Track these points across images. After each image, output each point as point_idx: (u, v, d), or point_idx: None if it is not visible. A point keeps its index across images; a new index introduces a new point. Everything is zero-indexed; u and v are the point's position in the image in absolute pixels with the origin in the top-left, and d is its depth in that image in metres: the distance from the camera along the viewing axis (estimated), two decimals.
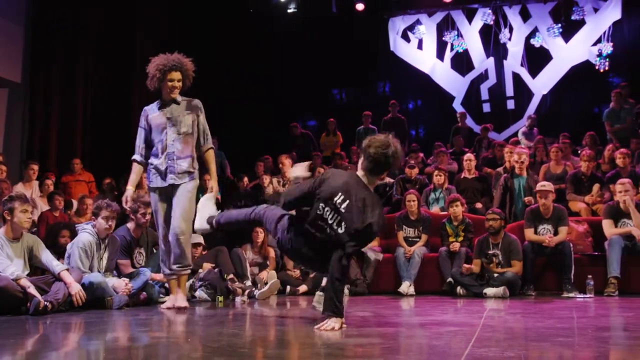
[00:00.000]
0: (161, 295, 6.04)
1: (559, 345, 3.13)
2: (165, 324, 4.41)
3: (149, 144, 5.24)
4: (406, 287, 7.13)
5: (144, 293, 5.74)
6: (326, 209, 3.74)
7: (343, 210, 3.69)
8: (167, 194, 5.15)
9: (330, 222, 3.72)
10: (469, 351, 2.75)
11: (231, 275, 6.74)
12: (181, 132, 5.15)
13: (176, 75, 5.10)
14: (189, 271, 5.35)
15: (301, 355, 2.85)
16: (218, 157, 11.60)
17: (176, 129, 5.15)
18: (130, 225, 6.10)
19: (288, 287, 7.38)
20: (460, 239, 7.40)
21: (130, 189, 5.21)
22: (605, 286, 6.53)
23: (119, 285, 5.39)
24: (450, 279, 6.94)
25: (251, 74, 13.75)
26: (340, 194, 3.73)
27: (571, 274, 6.63)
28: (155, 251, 6.33)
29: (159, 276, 5.93)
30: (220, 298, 6.15)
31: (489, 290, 6.49)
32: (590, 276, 6.46)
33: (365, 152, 3.82)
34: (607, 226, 6.95)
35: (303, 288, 7.35)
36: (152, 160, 5.18)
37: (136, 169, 5.26)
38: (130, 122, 9.80)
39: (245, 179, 9.91)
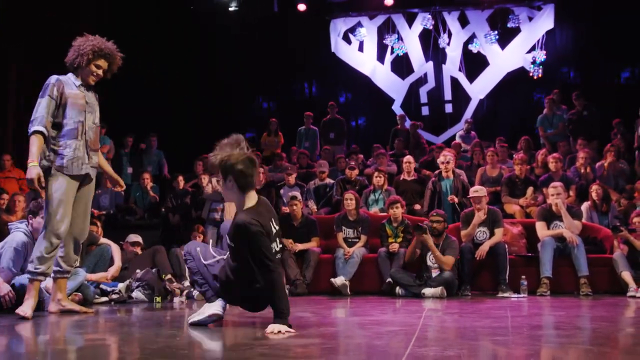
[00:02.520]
0: (97, 296, 5.89)
1: (495, 343, 3.21)
2: (102, 325, 4.30)
3: (55, 121, 4.59)
4: (340, 280, 7.15)
5: (79, 294, 5.58)
6: None
7: None
8: (76, 185, 4.66)
9: None
10: (410, 351, 2.78)
11: (169, 276, 6.62)
12: (95, 123, 4.78)
13: (104, 64, 4.75)
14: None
15: (241, 357, 2.82)
16: (156, 156, 11.46)
17: (92, 117, 4.76)
18: None
19: None
20: (400, 240, 7.48)
21: (37, 165, 4.43)
22: (538, 286, 6.74)
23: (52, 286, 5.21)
24: (389, 280, 7.01)
25: (192, 71, 13.58)
26: None
27: (506, 275, 6.81)
28: (90, 251, 6.18)
29: (95, 276, 5.78)
30: (158, 299, 6.04)
31: (427, 291, 6.58)
32: (524, 276, 6.65)
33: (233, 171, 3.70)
34: (540, 228, 7.17)
35: None
36: (65, 141, 4.58)
37: (41, 144, 4.48)
38: None
39: (181, 179, 9.77)
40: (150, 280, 6.23)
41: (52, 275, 4.75)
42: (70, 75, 4.72)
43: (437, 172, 8.76)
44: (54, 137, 4.56)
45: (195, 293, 6.52)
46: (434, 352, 2.76)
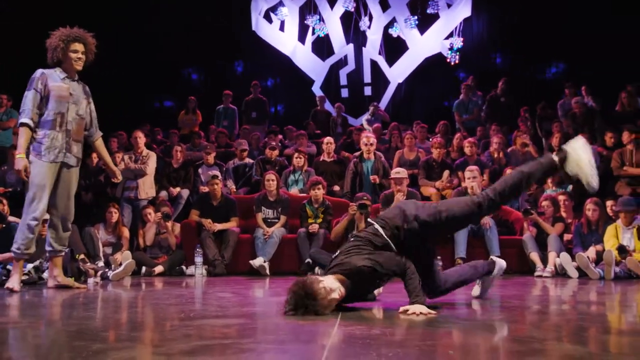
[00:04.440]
0: (4, 277, 5.61)
1: (416, 321, 3.28)
2: (10, 307, 4.09)
3: (39, 112, 4.99)
4: (259, 261, 7.14)
5: None
6: None
7: None
8: (55, 171, 5.02)
9: None
10: (337, 330, 2.79)
11: (82, 256, 6.40)
12: (79, 114, 5.12)
13: (80, 47, 5.07)
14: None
15: (164, 338, 2.75)
16: None
17: (76, 108, 5.11)
18: None
19: (144, 268, 7.14)
20: (319, 220, 7.53)
21: (23, 156, 4.86)
22: (453, 266, 6.93)
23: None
24: (308, 260, 7.05)
25: (106, 47, 13.06)
26: None
27: None
28: None
29: (2, 256, 5.52)
30: (71, 280, 5.81)
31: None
32: (439, 257, 6.80)
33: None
34: None
35: (159, 269, 7.17)
36: (45, 131, 4.95)
37: (27, 135, 4.91)
38: None
39: (94, 156, 9.40)
40: (62, 261, 5.96)
41: (47, 254, 5.30)
42: (56, 69, 5.08)
43: (358, 153, 8.85)
44: (35, 128, 4.95)
45: (111, 274, 6.34)
46: (360, 331, 2.78)
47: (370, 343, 2.49)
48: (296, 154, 8.98)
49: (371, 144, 8.31)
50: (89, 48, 5.15)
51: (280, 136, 11.60)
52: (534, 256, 7.00)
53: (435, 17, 13.90)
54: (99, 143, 5.45)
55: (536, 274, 6.82)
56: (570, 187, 8.09)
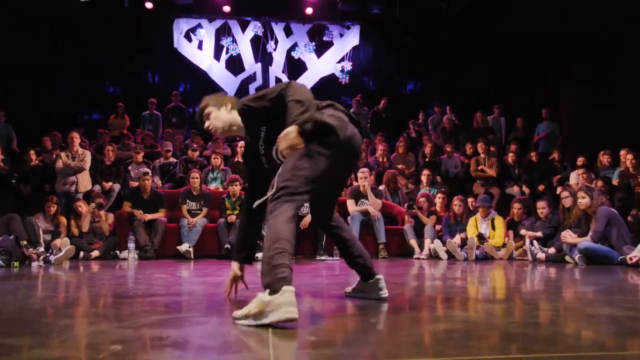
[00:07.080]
0: None
1: (337, 298, 3.37)
2: None
3: None
4: (185, 247, 7.03)
5: None
6: None
7: None
8: None
9: None
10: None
11: (24, 242, 6.02)
12: None
13: None
14: None
15: (124, 313, 2.67)
16: (5, 129, 10.26)
17: None
18: None
19: (81, 253, 6.81)
20: (236, 212, 7.48)
21: None
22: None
23: None
24: (227, 246, 7.00)
25: (43, 50, 12.31)
26: None
27: (323, 241, 7.10)
28: None
29: None
30: (16, 264, 5.47)
31: (260, 254, 6.66)
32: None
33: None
34: (350, 205, 7.57)
35: (95, 253, 6.86)
36: None
37: None
38: None
39: (32, 152, 8.84)
40: (8, 247, 5.61)
41: None
42: None
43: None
44: None
45: (52, 258, 6.01)
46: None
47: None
48: (214, 155, 8.86)
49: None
50: None
51: (202, 141, 11.34)
52: (413, 242, 7.31)
53: (330, 44, 14.11)
54: None
55: (414, 257, 7.13)
56: (443, 189, 8.48)
